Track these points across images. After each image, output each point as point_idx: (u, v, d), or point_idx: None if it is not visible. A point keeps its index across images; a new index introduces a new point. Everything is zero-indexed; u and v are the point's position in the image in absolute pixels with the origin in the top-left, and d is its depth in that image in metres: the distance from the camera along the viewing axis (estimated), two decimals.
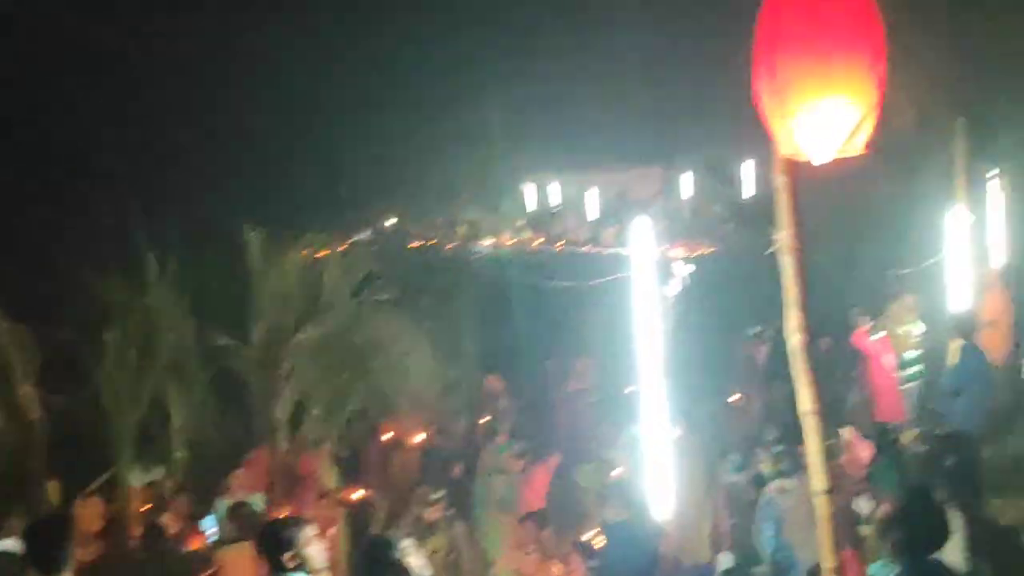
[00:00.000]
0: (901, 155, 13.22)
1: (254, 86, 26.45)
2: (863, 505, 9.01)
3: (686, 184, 30.97)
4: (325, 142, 28.28)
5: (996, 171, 12.61)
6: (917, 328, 13.01)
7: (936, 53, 12.58)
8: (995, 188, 12.64)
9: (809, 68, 4.62)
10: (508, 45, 29.13)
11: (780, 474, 9.80)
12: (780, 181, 5.14)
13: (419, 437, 12.11)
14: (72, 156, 21.49)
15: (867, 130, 4.79)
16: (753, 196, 25.83)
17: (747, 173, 26.71)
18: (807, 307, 5.17)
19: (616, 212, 27.24)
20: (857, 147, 4.83)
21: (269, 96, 26.96)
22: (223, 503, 9.81)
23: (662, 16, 23.75)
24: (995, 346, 11.67)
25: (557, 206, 33.91)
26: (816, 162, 4.84)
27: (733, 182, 26.87)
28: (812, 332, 5.34)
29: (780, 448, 10.58)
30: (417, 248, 29.16)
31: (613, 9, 27.68)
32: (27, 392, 10.13)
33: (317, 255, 12.05)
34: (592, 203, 31.76)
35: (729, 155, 26.23)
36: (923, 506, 5.96)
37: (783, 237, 5.15)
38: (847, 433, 10.88)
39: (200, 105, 24.29)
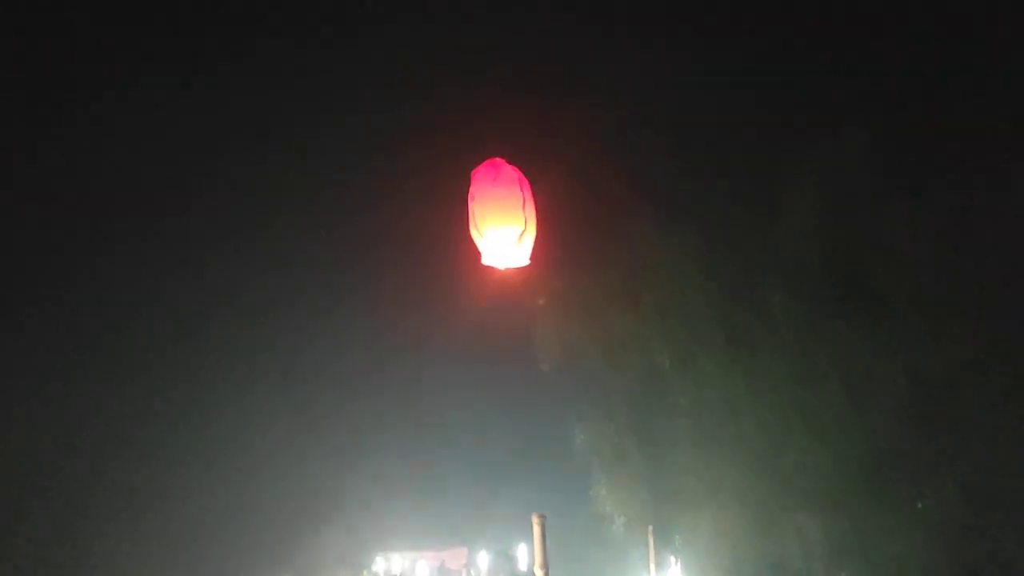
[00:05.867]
0: (615, 547, 13.95)
1: None
2: None
3: (483, 560, 32.63)
4: None
5: (674, 559, 12.92)
6: None
7: (632, 481, 12.81)
8: (675, 568, 12.90)
9: (487, 209, 5.67)
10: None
11: None
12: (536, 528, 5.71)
13: None
14: None
15: (526, 248, 5.64)
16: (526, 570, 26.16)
17: (523, 553, 27.12)
18: None
19: None
20: (523, 259, 5.71)
21: None
22: None
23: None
24: None
25: (399, 573, 35.31)
26: (501, 267, 5.76)
27: (513, 559, 27.59)
28: None
29: None
30: None
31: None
32: None
33: None
34: (422, 571, 32.45)
35: (511, 540, 27.31)
36: None
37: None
38: None
39: None
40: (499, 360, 13.30)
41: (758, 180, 12.10)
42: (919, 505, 9.77)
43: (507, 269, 5.89)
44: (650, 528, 12.14)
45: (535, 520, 5.63)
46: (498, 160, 5.98)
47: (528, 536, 5.69)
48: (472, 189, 5.87)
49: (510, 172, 5.92)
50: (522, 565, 26.45)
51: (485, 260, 5.89)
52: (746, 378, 10.87)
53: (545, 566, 5.60)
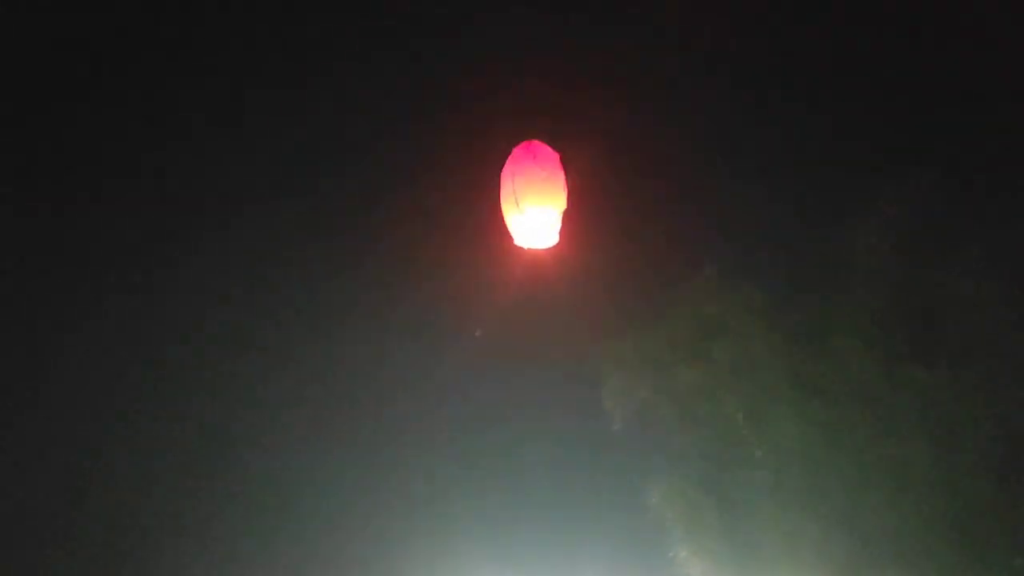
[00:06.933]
0: None
1: None
2: None
3: None
4: None
5: None
6: None
7: (713, 540, 12.43)
8: None
9: (526, 187, 5.75)
10: None
11: None
12: None
13: None
14: None
15: (556, 228, 5.66)
16: None
17: None
18: None
19: None
20: (552, 239, 5.71)
21: None
22: None
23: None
24: None
25: None
26: (533, 246, 5.93)
27: None
28: None
29: None
30: None
31: None
32: None
33: None
34: None
35: None
36: None
37: None
38: None
39: None
40: (567, 415, 13.20)
41: (826, 224, 11.99)
42: (1016, 562, 9.37)
43: (538, 249, 6.19)
44: None
45: None
46: (537, 141, 6.29)
47: None
48: (511, 167, 6.16)
49: (550, 152, 6.22)
50: None
51: (518, 241, 6.24)
52: (823, 429, 10.64)
53: None
